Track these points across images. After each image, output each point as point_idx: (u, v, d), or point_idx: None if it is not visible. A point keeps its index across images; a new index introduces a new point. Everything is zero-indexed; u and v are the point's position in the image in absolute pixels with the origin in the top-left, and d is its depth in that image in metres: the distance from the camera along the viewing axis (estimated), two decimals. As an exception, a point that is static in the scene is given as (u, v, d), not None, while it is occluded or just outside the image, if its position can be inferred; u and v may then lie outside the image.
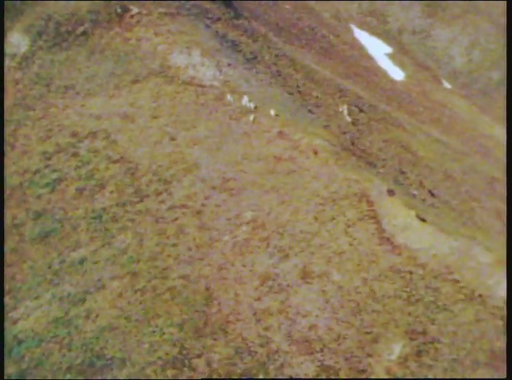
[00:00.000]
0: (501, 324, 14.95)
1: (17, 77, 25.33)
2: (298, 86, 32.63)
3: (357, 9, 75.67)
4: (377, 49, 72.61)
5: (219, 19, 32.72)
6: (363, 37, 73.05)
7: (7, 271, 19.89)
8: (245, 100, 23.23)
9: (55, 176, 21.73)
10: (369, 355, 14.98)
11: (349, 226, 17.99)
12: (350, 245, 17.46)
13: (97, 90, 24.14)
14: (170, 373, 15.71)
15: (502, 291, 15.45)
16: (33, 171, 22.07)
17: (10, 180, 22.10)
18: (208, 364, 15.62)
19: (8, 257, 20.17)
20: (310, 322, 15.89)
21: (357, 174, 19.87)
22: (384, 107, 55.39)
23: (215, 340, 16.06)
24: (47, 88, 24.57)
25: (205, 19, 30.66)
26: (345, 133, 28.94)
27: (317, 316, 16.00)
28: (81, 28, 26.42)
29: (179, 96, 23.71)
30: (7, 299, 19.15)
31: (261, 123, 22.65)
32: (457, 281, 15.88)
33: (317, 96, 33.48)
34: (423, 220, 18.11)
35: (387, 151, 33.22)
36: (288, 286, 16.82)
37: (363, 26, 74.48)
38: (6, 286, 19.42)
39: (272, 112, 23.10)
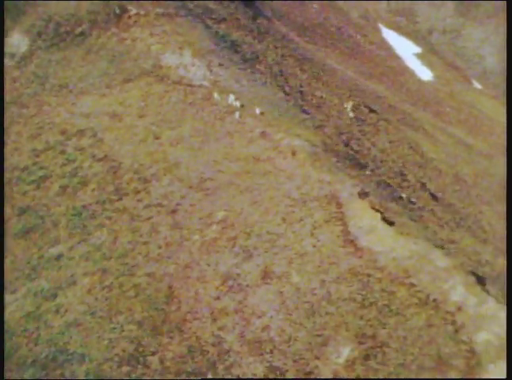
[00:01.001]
0: (451, 329, 14.75)
1: (14, 75, 25.97)
2: (301, 86, 32.61)
3: (386, 9, 75.00)
4: (406, 49, 71.94)
5: (224, 19, 32.92)
6: (391, 37, 72.46)
7: (-10, 266, 20.45)
8: (231, 98, 23.37)
9: (41, 173, 22.21)
10: (317, 358, 14.96)
11: (315, 228, 17.96)
12: (314, 246, 17.43)
13: (89, 89, 24.59)
14: (124, 369, 15.96)
15: (456, 296, 15.24)
16: (21, 168, 22.60)
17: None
18: (161, 362, 15.81)
19: (-8, 251, 20.73)
20: (264, 323, 15.94)
21: (332, 176, 19.80)
22: (405, 107, 54.89)
23: (171, 338, 16.25)
24: (42, 86, 25.13)
25: (207, 19, 30.90)
26: (342, 134, 28.81)
27: (271, 317, 16.04)
28: (79, 29, 26.92)
29: (168, 95, 23.98)
30: (-14, 292, 19.68)
31: (245, 122, 22.75)
32: (413, 285, 15.71)
33: (321, 97, 33.40)
34: (391, 223, 17.97)
35: (390, 152, 32.94)
36: (247, 286, 16.90)
37: (392, 26, 73.82)
38: (-13, 280, 19.96)
39: (257, 111, 23.18)
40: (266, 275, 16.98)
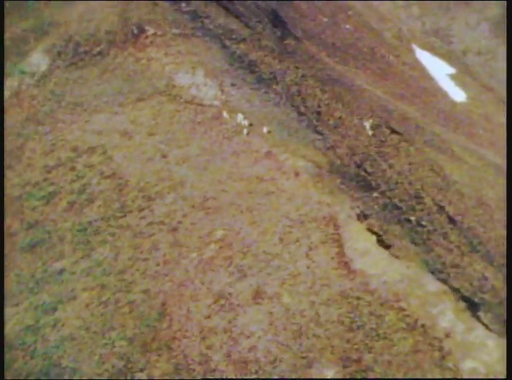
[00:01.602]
0: (437, 356, 14.51)
1: (33, 94, 26.62)
2: (319, 106, 32.59)
3: (420, 29, 74.53)
4: (439, 70, 71.23)
5: (243, 40, 33.19)
6: (425, 57, 71.87)
7: (-4, 279, 20.91)
8: (239, 118, 23.56)
9: (51, 189, 22.67)
10: (301, 380, 14.87)
11: (311, 249, 17.92)
12: (308, 267, 17.38)
13: (102, 107, 25.05)
14: (112, 385, 16.12)
15: (445, 322, 15.00)
16: (33, 184, 23.11)
17: (12, 191, 23.23)
18: (149, 379, 15.91)
19: (-1, 265, 21.20)
20: (251, 343, 15.92)
21: (332, 197, 19.74)
22: (435, 128, 54.39)
23: (159, 355, 16.36)
24: (58, 104, 25.70)
25: (226, 40, 31.20)
26: (355, 154, 28.70)
27: (259, 337, 16.02)
28: (97, 49, 27.49)
29: (178, 114, 24.28)
30: (-9, 304, 20.11)
31: (252, 142, 22.87)
32: (403, 309, 15.53)
33: (340, 117, 33.33)
34: (388, 246, 17.83)
35: (408, 174, 32.64)
36: (238, 305, 16.92)
37: (426, 46, 73.27)
38: (-7, 293, 20.40)
39: (264, 129, 23.33)
40: (258, 296, 16.98)
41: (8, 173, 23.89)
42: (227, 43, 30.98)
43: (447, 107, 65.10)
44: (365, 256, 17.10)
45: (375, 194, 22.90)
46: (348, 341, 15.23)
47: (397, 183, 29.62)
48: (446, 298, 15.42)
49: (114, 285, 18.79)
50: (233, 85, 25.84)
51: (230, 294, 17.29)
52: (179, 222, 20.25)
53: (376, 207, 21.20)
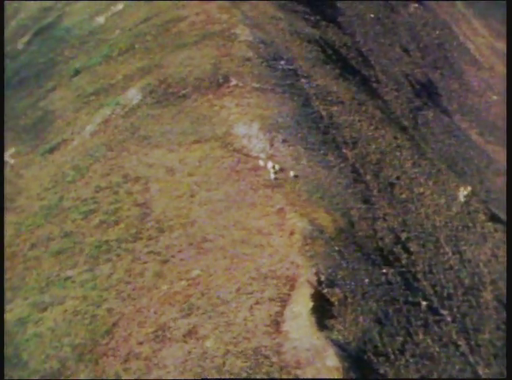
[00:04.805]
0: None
1: (118, 123, 29.88)
2: (398, 179, 32.29)
3: None
4: None
5: (340, 102, 34.11)
6: None
7: (24, 274, 23.86)
8: (269, 165, 24.66)
9: (92, 207, 25.35)
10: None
11: (257, 303, 18.46)
12: (244, 320, 17.95)
13: (164, 144, 27.47)
14: (40, 385, 17.93)
15: (324, 399, 14.85)
16: (82, 199, 26.00)
17: (66, 203, 26.32)
18: (67, 384, 17.49)
19: (31, 263, 24.18)
20: (159, 375, 16.87)
21: (308, 261, 20.06)
22: None
23: (86, 367, 17.88)
24: (131, 135, 28.60)
25: (317, 100, 32.37)
26: (406, 231, 28.14)
27: (168, 372, 16.91)
28: (183, 91, 30.18)
29: (222, 160, 25.91)
30: (9, 294, 22.96)
31: (273, 197, 23.77)
32: (297, 378, 15.58)
33: (421, 193, 32.76)
34: (332, 316, 17.84)
35: (480, 264, 31.13)
36: (169, 339, 17.94)
37: None
38: (16, 283, 23.31)
39: (291, 173, 24.27)
40: (189, 335, 17.89)
41: (69, 187, 27.10)
42: (315, 102, 32.12)
43: None
44: (295, 319, 17.33)
45: (384, 270, 22.54)
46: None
47: (450, 269, 28.48)
48: (336, 375, 15.23)
49: (92, 299, 20.69)
50: (284, 141, 26.93)
51: (169, 327, 18.37)
52: (172, 256, 21.73)
53: (366, 280, 20.97)
